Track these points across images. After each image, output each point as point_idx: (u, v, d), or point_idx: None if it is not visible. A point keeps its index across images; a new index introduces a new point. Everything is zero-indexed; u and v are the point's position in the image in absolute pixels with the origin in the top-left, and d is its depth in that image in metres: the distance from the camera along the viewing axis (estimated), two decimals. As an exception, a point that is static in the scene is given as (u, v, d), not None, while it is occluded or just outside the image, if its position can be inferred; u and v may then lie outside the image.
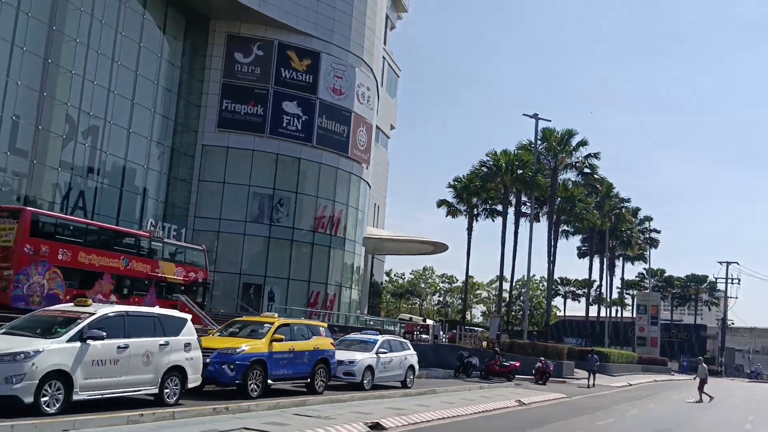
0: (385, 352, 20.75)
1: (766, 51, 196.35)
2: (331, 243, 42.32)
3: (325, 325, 20.20)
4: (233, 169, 39.63)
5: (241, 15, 39.00)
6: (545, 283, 59.08)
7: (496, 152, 42.83)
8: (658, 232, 67.36)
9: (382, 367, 20.27)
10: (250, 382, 15.15)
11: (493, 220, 48.01)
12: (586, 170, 44.82)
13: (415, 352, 22.63)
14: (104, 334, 11.65)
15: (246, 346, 15.50)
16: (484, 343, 32.75)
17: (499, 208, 45.62)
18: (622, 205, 57.10)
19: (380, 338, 21.67)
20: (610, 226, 52.84)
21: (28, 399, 10.47)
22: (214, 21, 39.82)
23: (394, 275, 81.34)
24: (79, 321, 11.71)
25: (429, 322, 45.76)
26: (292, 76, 40.57)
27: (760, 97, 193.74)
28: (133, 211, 36.56)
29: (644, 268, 71.00)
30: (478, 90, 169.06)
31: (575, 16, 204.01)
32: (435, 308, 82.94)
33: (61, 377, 10.96)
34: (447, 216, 48.59)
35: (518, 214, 44.32)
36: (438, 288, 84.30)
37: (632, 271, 78.57)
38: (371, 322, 43.67)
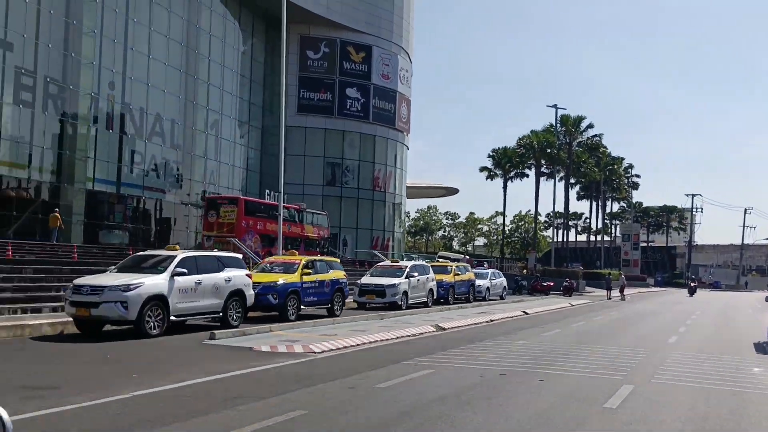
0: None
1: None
2: (386, 198, 55.09)
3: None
4: (310, 144, 51.67)
5: (311, 20, 50.21)
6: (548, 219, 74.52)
7: (527, 135, 57.50)
8: (638, 176, 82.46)
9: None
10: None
11: (521, 180, 62.16)
12: (592, 144, 59.96)
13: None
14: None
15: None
16: (524, 271, 46.45)
17: (526, 171, 60.42)
18: (613, 163, 71.48)
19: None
20: (604, 178, 67.57)
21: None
22: (289, 25, 50.97)
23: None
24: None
25: (466, 257, 59.25)
26: (352, 67, 52.25)
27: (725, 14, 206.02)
28: (240, 182, 48.67)
29: (625, 203, 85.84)
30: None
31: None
32: (441, 242, 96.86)
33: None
34: (486, 179, 62.74)
35: (538, 175, 58.79)
36: (442, 224, 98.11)
37: (616, 205, 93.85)
38: (416, 257, 57.01)
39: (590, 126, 62.71)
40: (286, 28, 51.39)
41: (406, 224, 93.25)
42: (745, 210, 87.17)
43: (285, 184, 51.80)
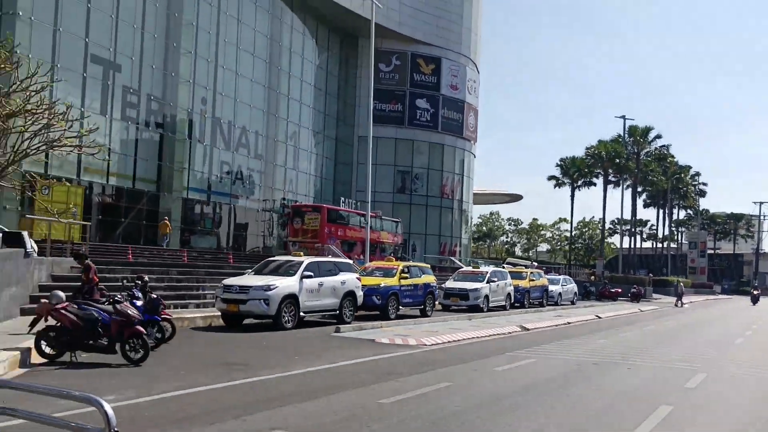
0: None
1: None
2: (453, 205, 57.29)
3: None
4: (381, 153, 54.22)
5: (384, 34, 52.75)
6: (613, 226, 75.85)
7: (595, 145, 59.43)
8: (705, 184, 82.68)
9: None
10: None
11: (588, 189, 63.78)
12: (660, 155, 61.38)
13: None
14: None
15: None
16: (592, 277, 48.02)
17: (593, 180, 62.10)
18: (680, 171, 72.22)
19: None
20: (671, 187, 68.50)
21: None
22: (362, 39, 53.81)
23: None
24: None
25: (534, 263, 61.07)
26: (422, 79, 54.68)
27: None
28: (315, 189, 51.61)
29: (691, 211, 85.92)
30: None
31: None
32: (503, 248, 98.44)
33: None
34: (555, 187, 64.73)
35: (606, 183, 60.24)
36: (505, 230, 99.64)
37: (682, 212, 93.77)
38: (482, 263, 58.99)
39: (658, 136, 65.19)
40: (359, 42, 54.61)
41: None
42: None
43: (357, 192, 55.23)
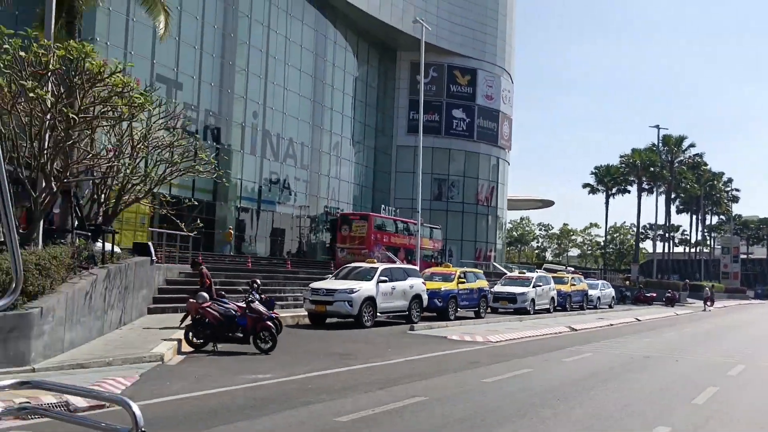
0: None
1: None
2: (488, 212, 59.35)
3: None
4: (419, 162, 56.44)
5: (426, 49, 55.12)
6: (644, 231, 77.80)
7: (629, 153, 61.53)
8: (738, 190, 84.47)
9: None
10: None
11: (623, 196, 65.61)
12: (693, 163, 63.39)
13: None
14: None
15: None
16: (627, 282, 49.84)
17: (627, 188, 64.09)
18: (714, 178, 74.08)
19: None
20: (704, 194, 70.36)
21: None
22: (400, 53, 56.18)
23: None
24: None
25: (570, 268, 62.94)
26: (458, 90, 56.88)
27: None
28: (355, 197, 53.98)
29: (724, 216, 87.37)
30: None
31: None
32: (534, 253, 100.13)
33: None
34: (589, 194, 67.04)
35: (640, 191, 62.32)
36: (536, 235, 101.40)
37: (715, 218, 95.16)
38: (516, 268, 60.88)
39: (692, 145, 68.17)
40: (397, 55, 56.91)
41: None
42: None
43: (395, 199, 57.51)
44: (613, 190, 63.34)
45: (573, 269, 50.57)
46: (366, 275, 19.54)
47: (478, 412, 8.37)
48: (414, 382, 10.43)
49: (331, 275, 20.84)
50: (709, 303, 46.23)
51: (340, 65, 51.11)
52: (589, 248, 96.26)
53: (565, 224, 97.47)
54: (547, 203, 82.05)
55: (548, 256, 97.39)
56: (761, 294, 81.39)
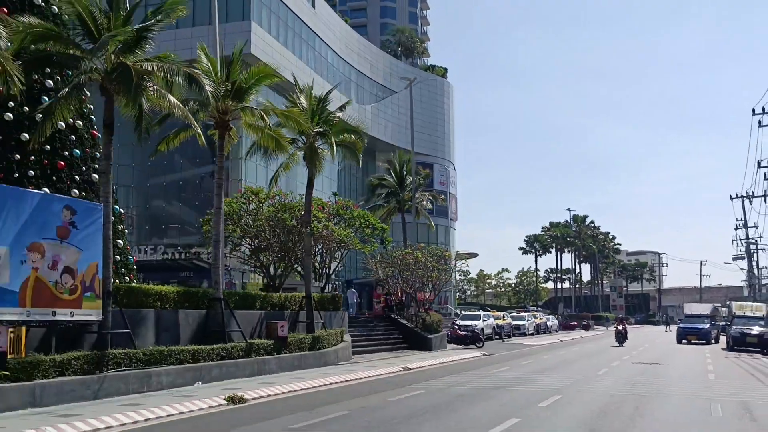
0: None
1: (692, 23, 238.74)
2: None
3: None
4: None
5: (393, 149, 78.03)
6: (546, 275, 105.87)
7: (549, 226, 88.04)
8: (620, 244, 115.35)
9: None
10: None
11: (547, 255, 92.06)
12: (593, 233, 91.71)
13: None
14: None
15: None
16: (559, 317, 74.44)
17: (549, 249, 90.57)
18: (605, 239, 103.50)
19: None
20: (598, 250, 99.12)
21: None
22: (378, 153, 78.79)
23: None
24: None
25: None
26: (421, 180, 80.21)
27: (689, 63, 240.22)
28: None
29: (608, 260, 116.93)
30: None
31: None
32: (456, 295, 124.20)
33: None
34: (523, 254, 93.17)
35: (557, 251, 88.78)
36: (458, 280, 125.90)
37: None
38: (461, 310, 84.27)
39: (592, 222, 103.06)
40: (375, 155, 79.47)
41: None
42: (701, 262, 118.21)
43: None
44: (540, 252, 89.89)
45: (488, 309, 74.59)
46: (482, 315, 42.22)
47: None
48: (565, 368, 32.89)
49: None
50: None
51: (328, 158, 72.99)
52: (503, 289, 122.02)
53: (481, 270, 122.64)
54: (473, 255, 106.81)
55: (467, 297, 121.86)
56: (640, 320, 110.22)
